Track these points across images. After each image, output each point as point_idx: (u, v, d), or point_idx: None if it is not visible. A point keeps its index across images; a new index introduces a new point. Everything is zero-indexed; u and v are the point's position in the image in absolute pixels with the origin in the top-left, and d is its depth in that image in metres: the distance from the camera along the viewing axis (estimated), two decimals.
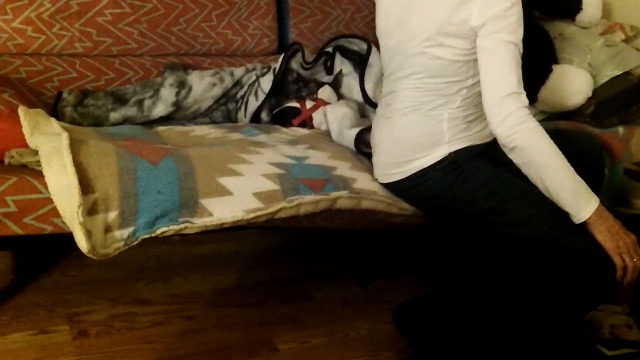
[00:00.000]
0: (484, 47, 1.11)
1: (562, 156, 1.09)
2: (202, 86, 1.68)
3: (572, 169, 1.10)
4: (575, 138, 1.34)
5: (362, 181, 1.28)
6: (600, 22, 1.91)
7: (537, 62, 1.66)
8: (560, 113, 1.77)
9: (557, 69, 1.72)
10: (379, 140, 1.30)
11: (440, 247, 1.86)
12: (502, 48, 1.09)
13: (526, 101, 1.10)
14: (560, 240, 1.10)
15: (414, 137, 1.22)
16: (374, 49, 1.67)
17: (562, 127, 1.66)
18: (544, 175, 1.10)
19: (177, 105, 1.65)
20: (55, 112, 1.59)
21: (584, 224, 1.10)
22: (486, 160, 1.20)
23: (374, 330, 1.44)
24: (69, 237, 1.03)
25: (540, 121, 1.72)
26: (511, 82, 1.09)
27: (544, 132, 1.10)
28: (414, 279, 1.70)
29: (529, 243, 1.15)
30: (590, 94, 1.72)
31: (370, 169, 1.33)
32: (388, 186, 1.28)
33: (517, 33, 1.10)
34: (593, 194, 1.11)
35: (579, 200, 1.09)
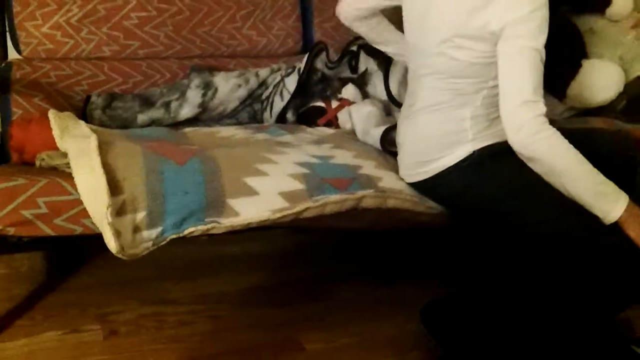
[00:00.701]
0: (503, 52, 1.09)
1: (583, 160, 1.07)
2: (228, 87, 1.69)
3: (596, 171, 1.07)
4: (606, 138, 1.30)
5: (388, 180, 1.27)
6: (631, 15, 1.86)
7: (567, 57, 1.63)
8: (591, 109, 1.73)
9: (586, 64, 1.68)
10: (404, 139, 1.29)
11: (465, 246, 1.84)
12: (521, 54, 1.07)
13: (543, 109, 1.07)
14: (590, 237, 1.08)
15: (436, 135, 1.21)
16: None
17: (593, 125, 1.62)
18: (565, 182, 1.08)
19: (203, 106, 1.66)
20: (84, 115, 1.61)
21: (616, 223, 1.07)
22: (511, 158, 1.18)
23: (401, 330, 1.43)
24: (98, 238, 1.04)
25: (570, 117, 1.70)
26: (527, 90, 1.06)
27: (562, 139, 1.07)
28: (439, 278, 1.68)
29: (557, 241, 1.12)
30: (621, 89, 1.68)
31: (395, 168, 1.32)
32: (413, 185, 1.27)
33: (539, 38, 1.07)
34: (621, 193, 1.08)
35: (604, 203, 1.07)
